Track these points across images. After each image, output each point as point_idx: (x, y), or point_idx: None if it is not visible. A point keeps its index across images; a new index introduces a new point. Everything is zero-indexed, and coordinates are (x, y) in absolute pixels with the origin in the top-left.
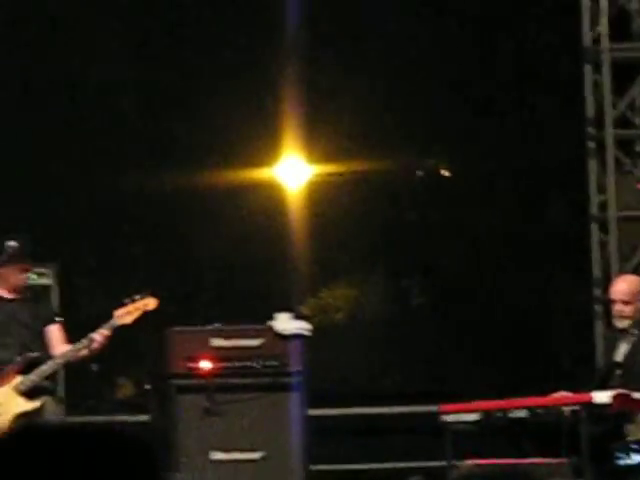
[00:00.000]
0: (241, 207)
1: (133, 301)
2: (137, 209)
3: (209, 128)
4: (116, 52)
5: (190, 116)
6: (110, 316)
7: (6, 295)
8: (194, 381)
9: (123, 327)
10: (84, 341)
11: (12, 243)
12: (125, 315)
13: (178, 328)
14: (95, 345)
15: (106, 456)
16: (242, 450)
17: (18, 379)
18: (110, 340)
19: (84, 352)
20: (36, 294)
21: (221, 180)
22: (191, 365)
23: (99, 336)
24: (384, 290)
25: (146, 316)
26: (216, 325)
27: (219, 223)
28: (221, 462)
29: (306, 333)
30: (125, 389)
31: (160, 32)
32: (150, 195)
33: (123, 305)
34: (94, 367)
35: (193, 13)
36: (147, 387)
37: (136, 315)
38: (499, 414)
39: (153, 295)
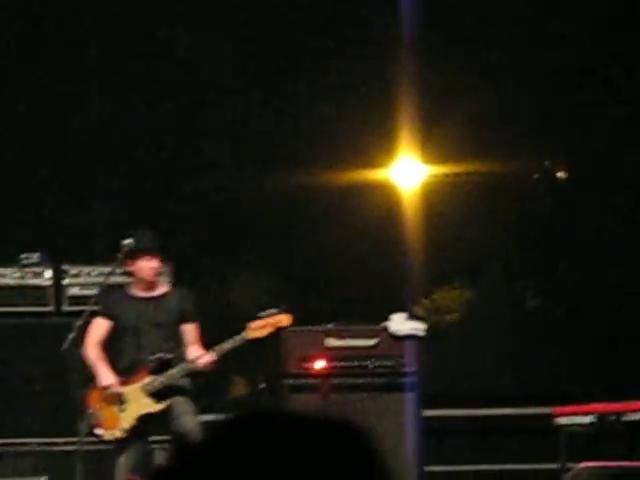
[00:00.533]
0: (356, 208)
1: (268, 316)
2: (252, 209)
3: (325, 129)
4: (240, 56)
5: (307, 117)
6: (243, 327)
7: (140, 294)
8: (308, 381)
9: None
10: (206, 357)
11: (135, 236)
12: (258, 329)
13: (293, 328)
14: (213, 359)
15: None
16: None
17: (148, 379)
18: (235, 352)
19: (208, 362)
20: (179, 292)
21: (337, 181)
22: (305, 365)
23: (215, 354)
24: (498, 292)
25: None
26: (330, 325)
27: (334, 223)
28: None
29: (420, 334)
30: (239, 388)
31: (279, 33)
32: (265, 195)
33: (258, 318)
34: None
35: (311, 13)
36: (261, 386)
37: (269, 330)
38: (613, 417)
39: (288, 312)
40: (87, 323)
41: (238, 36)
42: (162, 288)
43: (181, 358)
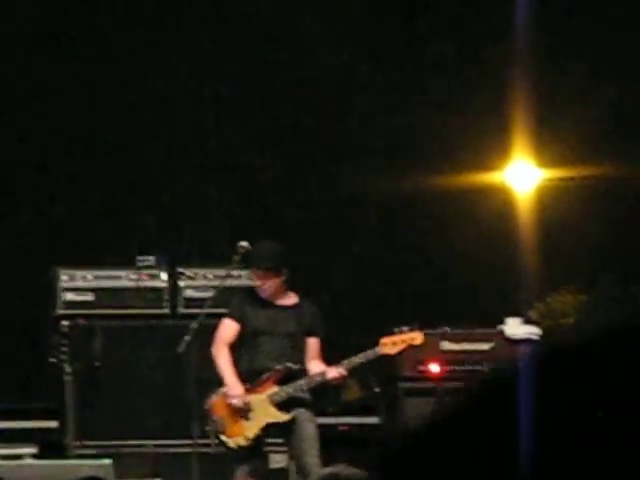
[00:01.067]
0: (471, 211)
1: (401, 332)
2: (364, 213)
3: (439, 131)
4: (350, 53)
5: (420, 119)
6: (376, 343)
7: (272, 300)
8: (423, 384)
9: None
10: (333, 370)
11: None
12: (390, 345)
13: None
14: (342, 374)
15: None
16: None
17: (274, 389)
18: (363, 366)
19: (337, 376)
20: (308, 303)
21: (451, 184)
22: (421, 368)
23: (345, 369)
24: (614, 296)
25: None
26: (446, 329)
27: (448, 227)
28: None
29: (535, 338)
30: (353, 391)
31: (398, 37)
32: (378, 199)
33: (390, 334)
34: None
35: (424, 15)
36: (376, 389)
37: (401, 347)
38: None
39: (420, 329)
40: (202, 326)
41: (362, 44)
42: (292, 298)
43: (305, 370)
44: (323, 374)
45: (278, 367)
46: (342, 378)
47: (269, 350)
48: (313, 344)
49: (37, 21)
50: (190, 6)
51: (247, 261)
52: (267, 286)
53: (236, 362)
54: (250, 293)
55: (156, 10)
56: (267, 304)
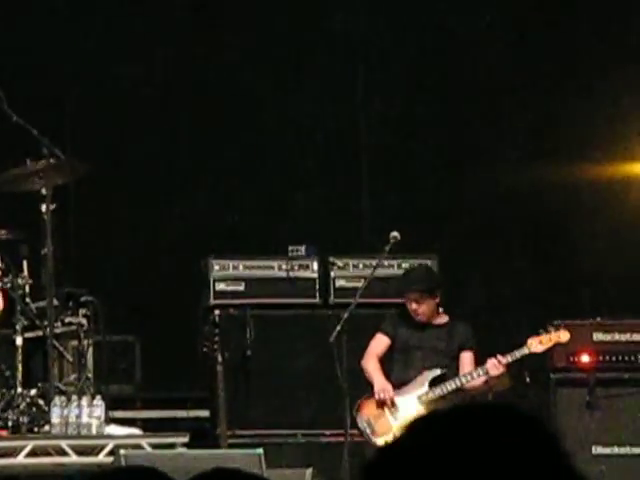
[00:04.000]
0: (619, 201)
1: (547, 332)
2: (510, 204)
3: (590, 119)
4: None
5: (568, 107)
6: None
7: (422, 319)
8: (574, 375)
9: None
10: (479, 370)
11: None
12: (538, 344)
13: (560, 322)
14: (493, 374)
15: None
16: (623, 445)
17: (423, 389)
18: (511, 368)
19: (481, 380)
20: (459, 321)
21: (602, 174)
22: (572, 359)
23: (494, 366)
24: None
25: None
26: (598, 319)
27: (600, 218)
28: (603, 457)
29: None
30: (504, 382)
31: (554, 32)
32: (526, 190)
33: (537, 334)
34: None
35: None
36: (527, 380)
37: (548, 346)
38: None
39: (567, 328)
40: (353, 316)
41: (511, 36)
42: (444, 318)
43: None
44: (483, 370)
45: (425, 372)
46: (491, 380)
47: (420, 364)
48: (467, 358)
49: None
50: None
51: (400, 288)
52: (422, 310)
53: (386, 376)
54: (406, 313)
55: None
56: (420, 324)
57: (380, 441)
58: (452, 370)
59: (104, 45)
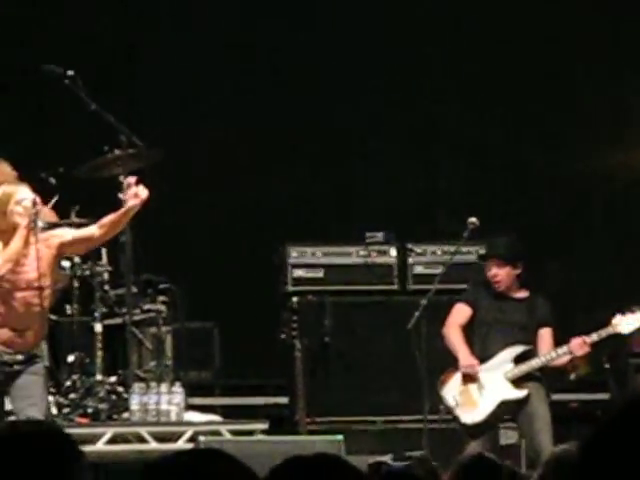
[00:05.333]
0: None
1: (632, 312)
2: (589, 186)
3: None
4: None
5: None
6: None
7: (505, 293)
8: None
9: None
10: (564, 348)
11: (474, 220)
12: (624, 324)
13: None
14: (578, 354)
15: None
16: None
17: (509, 366)
18: (595, 347)
19: (564, 359)
20: (539, 296)
21: None
22: None
23: (579, 345)
24: None
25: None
26: None
27: None
28: None
29: None
30: (582, 368)
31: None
32: (606, 174)
33: (622, 313)
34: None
35: None
36: (606, 365)
37: (635, 327)
38: None
39: None
40: (431, 302)
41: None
42: (524, 292)
43: (536, 354)
44: (549, 354)
45: (509, 349)
46: (576, 359)
47: (501, 339)
48: (546, 334)
49: None
50: None
51: (482, 255)
52: (501, 277)
53: (469, 347)
54: (485, 285)
55: None
56: (500, 296)
57: (466, 417)
58: (532, 343)
59: (172, 28)
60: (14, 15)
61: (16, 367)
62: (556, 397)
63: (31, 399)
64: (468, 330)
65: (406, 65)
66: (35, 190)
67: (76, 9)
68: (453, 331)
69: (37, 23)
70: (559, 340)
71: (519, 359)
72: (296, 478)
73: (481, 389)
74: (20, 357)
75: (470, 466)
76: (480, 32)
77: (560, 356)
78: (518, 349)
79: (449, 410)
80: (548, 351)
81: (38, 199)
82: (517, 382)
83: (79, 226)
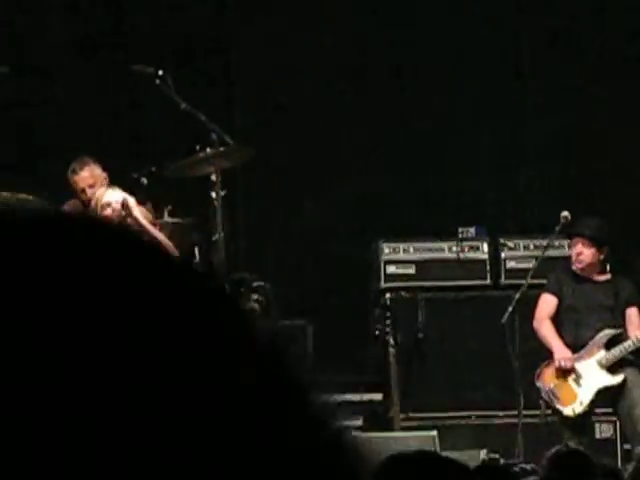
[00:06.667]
0: None
1: None
2: None
3: None
4: None
5: None
6: None
7: (586, 276)
8: None
9: None
10: None
11: (567, 214)
12: None
13: None
14: None
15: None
16: None
17: (602, 353)
18: None
19: None
20: (622, 277)
21: None
22: None
23: None
24: None
25: None
26: None
27: None
28: None
29: None
30: None
31: None
32: None
33: None
34: None
35: None
36: None
37: None
38: None
39: None
40: (524, 297)
41: None
42: (606, 275)
43: (627, 336)
44: None
45: (601, 335)
46: None
47: (590, 324)
48: (634, 314)
49: None
50: None
51: (569, 231)
52: (584, 256)
53: (560, 337)
54: (566, 268)
55: None
56: (582, 279)
57: (567, 410)
58: (621, 325)
59: (271, 32)
60: (103, 15)
61: None
62: None
63: None
64: (557, 318)
65: (494, 70)
66: (128, 191)
67: (172, 7)
68: (544, 324)
69: (128, 22)
70: None
71: (610, 344)
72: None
73: (578, 379)
74: None
75: (563, 458)
76: (575, 38)
77: None
78: (608, 334)
79: (549, 404)
80: (638, 332)
81: (132, 200)
82: (612, 368)
83: (172, 226)
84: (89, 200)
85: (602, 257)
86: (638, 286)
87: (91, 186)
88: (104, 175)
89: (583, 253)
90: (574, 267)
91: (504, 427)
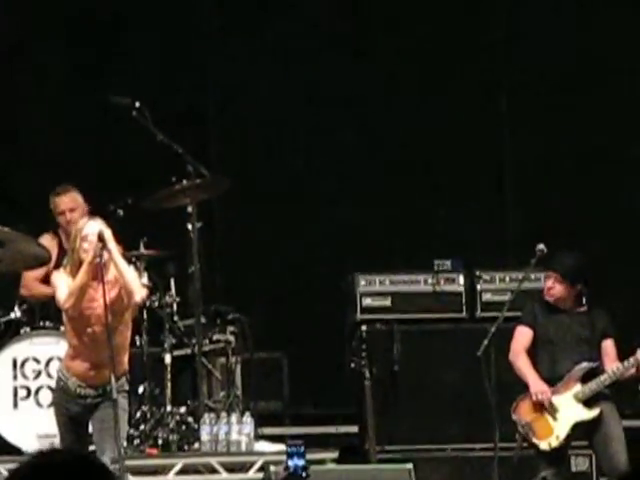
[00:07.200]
0: None
1: None
2: None
3: None
4: None
5: None
6: None
7: (562, 306)
8: None
9: None
10: (631, 360)
11: (542, 247)
12: None
13: None
14: None
15: None
16: None
17: (578, 387)
18: None
19: (631, 371)
20: (597, 309)
21: None
22: None
23: None
24: None
25: None
26: None
27: None
28: None
29: None
30: None
31: None
32: None
33: None
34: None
35: None
36: None
37: None
38: None
39: None
40: (500, 329)
41: None
42: (582, 307)
43: (603, 369)
44: (624, 368)
45: (577, 368)
46: (630, 375)
47: (566, 356)
48: (609, 346)
49: None
50: None
51: (544, 264)
52: (555, 291)
53: (536, 370)
54: (541, 300)
55: None
56: (558, 310)
57: (543, 444)
58: (597, 357)
59: (246, 63)
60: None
61: (89, 400)
62: (627, 424)
63: (106, 432)
64: (533, 350)
65: (474, 96)
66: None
67: (148, 44)
68: (520, 357)
69: (106, 54)
70: (624, 352)
71: (587, 377)
72: None
73: (554, 413)
74: (92, 391)
75: None
76: (548, 54)
77: (628, 368)
78: (584, 367)
79: (525, 438)
80: (615, 365)
81: (108, 232)
82: (588, 401)
83: (149, 257)
84: (68, 223)
85: (575, 293)
86: (614, 317)
87: (71, 210)
88: (85, 205)
89: (555, 288)
90: (546, 298)
91: (480, 460)
